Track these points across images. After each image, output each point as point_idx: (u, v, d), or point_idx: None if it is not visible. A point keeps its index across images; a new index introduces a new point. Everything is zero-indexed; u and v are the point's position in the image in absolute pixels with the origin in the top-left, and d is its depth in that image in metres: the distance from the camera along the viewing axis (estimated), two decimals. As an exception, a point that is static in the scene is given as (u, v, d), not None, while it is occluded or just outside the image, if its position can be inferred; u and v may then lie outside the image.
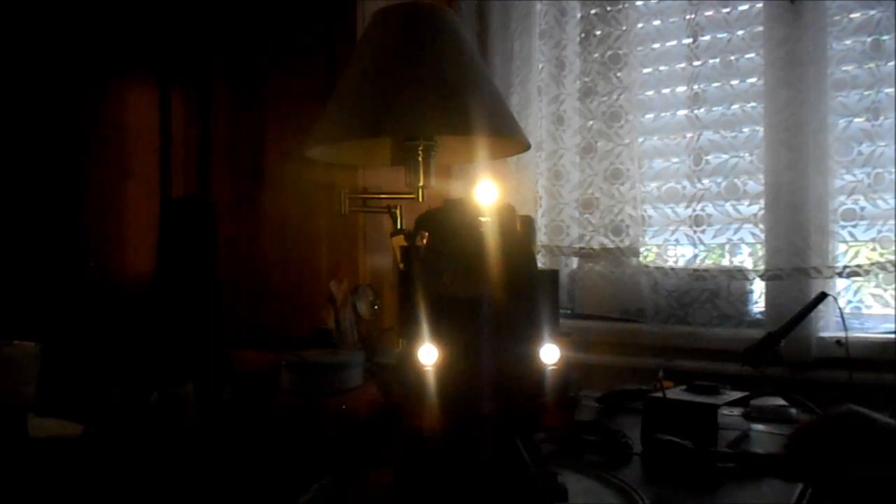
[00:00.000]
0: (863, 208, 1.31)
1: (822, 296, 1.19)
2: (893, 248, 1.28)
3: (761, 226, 1.40)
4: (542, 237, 1.61)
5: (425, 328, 0.69)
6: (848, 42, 1.33)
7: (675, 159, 1.51)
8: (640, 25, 1.54)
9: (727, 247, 1.50)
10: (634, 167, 1.51)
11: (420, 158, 1.18)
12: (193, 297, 1.19)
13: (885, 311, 1.36)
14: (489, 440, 0.69)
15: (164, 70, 1.50)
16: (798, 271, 1.32)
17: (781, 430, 1.04)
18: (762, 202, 1.39)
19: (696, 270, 1.46)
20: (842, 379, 1.14)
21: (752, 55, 1.42)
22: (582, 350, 1.43)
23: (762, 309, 1.41)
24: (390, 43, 1.14)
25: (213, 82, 1.58)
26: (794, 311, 1.23)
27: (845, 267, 1.31)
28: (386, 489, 0.75)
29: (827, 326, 1.33)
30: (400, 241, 1.20)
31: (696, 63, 1.45)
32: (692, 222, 1.46)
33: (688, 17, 1.46)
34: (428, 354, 0.68)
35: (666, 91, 1.53)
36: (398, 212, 1.33)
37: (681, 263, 1.54)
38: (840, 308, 1.26)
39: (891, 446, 0.79)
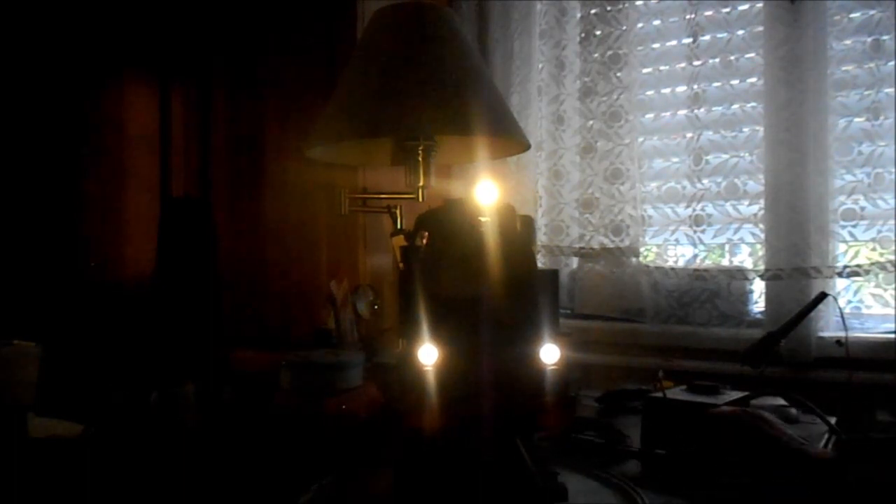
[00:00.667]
0: (863, 208, 1.31)
1: (822, 296, 1.19)
2: (893, 247, 1.28)
3: (761, 226, 1.40)
4: (542, 237, 1.61)
5: (425, 328, 0.69)
6: (848, 42, 1.33)
7: (675, 159, 1.51)
8: (640, 25, 1.54)
9: (727, 247, 1.51)
10: (634, 167, 1.51)
11: (420, 158, 1.18)
12: (193, 297, 1.19)
13: (885, 311, 1.36)
14: (489, 440, 0.69)
15: (164, 70, 1.50)
16: (798, 271, 1.32)
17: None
18: (762, 202, 1.39)
19: (696, 270, 1.46)
20: (842, 379, 1.14)
21: (752, 55, 1.42)
22: (582, 350, 1.43)
23: (762, 309, 1.41)
24: (390, 43, 1.14)
25: (213, 82, 1.58)
26: (794, 311, 1.22)
27: (845, 267, 1.31)
28: (386, 489, 0.75)
29: (827, 326, 1.33)
30: (400, 241, 1.20)
31: (696, 63, 1.45)
32: (692, 222, 1.46)
33: (688, 17, 1.46)
34: (428, 354, 0.68)
35: (666, 91, 1.53)
36: (398, 212, 1.33)
37: (681, 263, 1.54)
38: (840, 308, 1.26)
39: (768, 456, 0.79)
